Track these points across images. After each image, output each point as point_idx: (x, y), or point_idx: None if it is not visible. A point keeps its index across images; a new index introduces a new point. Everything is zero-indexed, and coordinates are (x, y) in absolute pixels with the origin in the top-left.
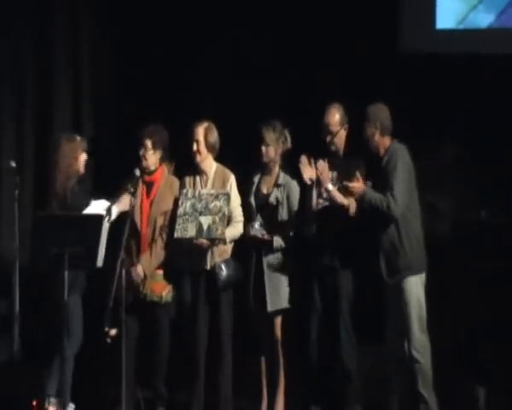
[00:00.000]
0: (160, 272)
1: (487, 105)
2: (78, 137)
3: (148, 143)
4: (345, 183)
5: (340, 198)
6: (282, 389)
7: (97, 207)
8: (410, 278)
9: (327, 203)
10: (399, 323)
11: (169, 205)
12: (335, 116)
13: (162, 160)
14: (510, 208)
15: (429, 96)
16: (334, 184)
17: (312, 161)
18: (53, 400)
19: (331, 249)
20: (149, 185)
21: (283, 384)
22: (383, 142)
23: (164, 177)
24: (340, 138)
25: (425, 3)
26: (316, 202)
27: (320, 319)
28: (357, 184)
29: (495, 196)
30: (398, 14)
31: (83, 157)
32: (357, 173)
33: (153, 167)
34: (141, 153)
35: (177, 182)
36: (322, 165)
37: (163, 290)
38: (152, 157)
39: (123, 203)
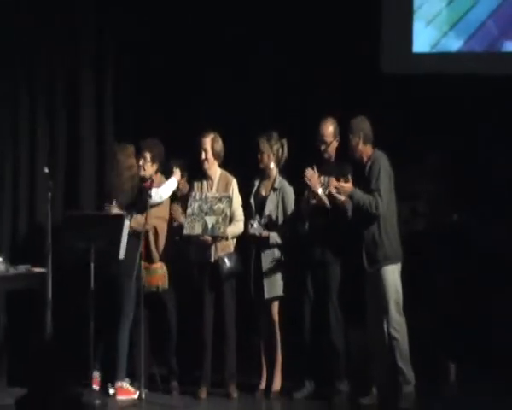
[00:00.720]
0: (157, 265)
1: (459, 118)
2: (129, 145)
3: (148, 155)
4: (335, 183)
5: (326, 201)
6: (279, 365)
7: (169, 186)
8: (387, 267)
9: (319, 204)
10: (379, 306)
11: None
12: (329, 128)
13: (158, 170)
14: (477, 212)
15: (408, 111)
16: (325, 188)
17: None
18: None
19: (322, 245)
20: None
21: (280, 361)
22: (366, 150)
23: (157, 181)
24: (332, 148)
25: (403, 30)
26: (309, 202)
27: (312, 306)
28: (347, 185)
29: (465, 202)
30: (380, 39)
31: (134, 161)
32: (349, 176)
33: (149, 176)
34: (140, 163)
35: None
36: (311, 172)
37: (159, 281)
38: (150, 168)
39: (178, 174)
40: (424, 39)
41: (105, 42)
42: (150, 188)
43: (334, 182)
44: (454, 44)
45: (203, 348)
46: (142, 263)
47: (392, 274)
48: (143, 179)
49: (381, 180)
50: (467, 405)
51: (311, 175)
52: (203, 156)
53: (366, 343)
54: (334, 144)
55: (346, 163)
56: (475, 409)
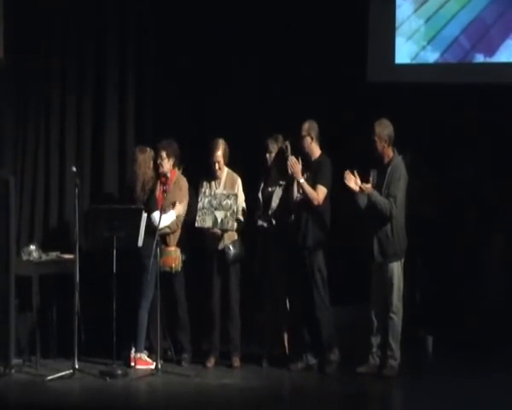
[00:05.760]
0: (171, 248)
1: (435, 120)
2: (148, 149)
3: (164, 154)
4: (361, 184)
5: (308, 189)
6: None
7: (168, 217)
8: (395, 262)
9: (303, 197)
10: (382, 292)
11: (175, 197)
12: (306, 125)
13: (175, 165)
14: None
15: (391, 114)
16: (306, 179)
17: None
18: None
19: (305, 233)
20: (164, 184)
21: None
22: (388, 152)
23: (175, 178)
24: (309, 145)
25: (386, 44)
26: (295, 195)
27: (299, 286)
28: (368, 186)
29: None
30: (366, 52)
31: (151, 164)
32: (370, 178)
33: (167, 171)
34: (158, 162)
35: (183, 180)
36: (294, 160)
37: (173, 263)
38: (167, 164)
39: (178, 209)
40: (405, 52)
41: (127, 62)
42: (165, 183)
43: (356, 182)
44: (431, 57)
45: (212, 325)
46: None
47: (398, 268)
48: (163, 175)
49: (398, 188)
50: (442, 374)
51: (294, 163)
52: (217, 159)
53: (360, 319)
54: (308, 141)
55: (325, 160)
56: (449, 378)
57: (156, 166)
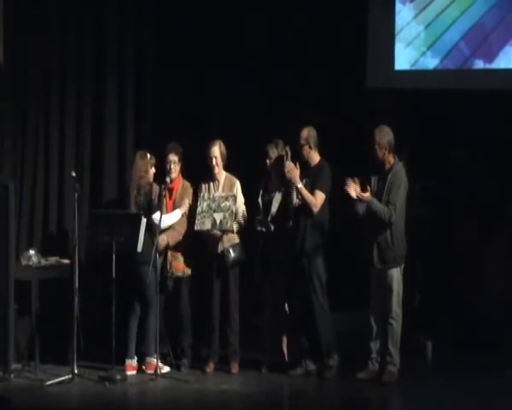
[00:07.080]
0: (180, 254)
1: (435, 126)
2: (149, 155)
3: (175, 158)
4: (358, 192)
5: (306, 195)
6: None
7: (173, 216)
8: (395, 268)
9: (302, 202)
10: (382, 297)
11: (181, 203)
12: (304, 133)
13: (181, 170)
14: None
15: (390, 121)
16: (305, 185)
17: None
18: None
19: (304, 239)
20: (171, 191)
21: (286, 340)
22: (389, 158)
23: (180, 183)
24: (307, 153)
25: (386, 50)
26: (295, 201)
27: (298, 292)
28: (366, 194)
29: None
30: (366, 58)
31: (152, 171)
32: (368, 187)
33: (175, 177)
34: (168, 166)
35: (189, 187)
36: (291, 166)
37: (184, 268)
38: (177, 169)
39: (183, 208)
40: (404, 58)
41: (127, 63)
42: (172, 189)
43: (356, 190)
44: (431, 63)
45: (211, 329)
46: (170, 252)
47: (397, 274)
48: (171, 181)
49: (399, 195)
50: (441, 379)
51: (292, 168)
52: (214, 162)
53: (359, 325)
54: (307, 149)
55: (325, 166)
56: (449, 383)
57: (156, 172)
